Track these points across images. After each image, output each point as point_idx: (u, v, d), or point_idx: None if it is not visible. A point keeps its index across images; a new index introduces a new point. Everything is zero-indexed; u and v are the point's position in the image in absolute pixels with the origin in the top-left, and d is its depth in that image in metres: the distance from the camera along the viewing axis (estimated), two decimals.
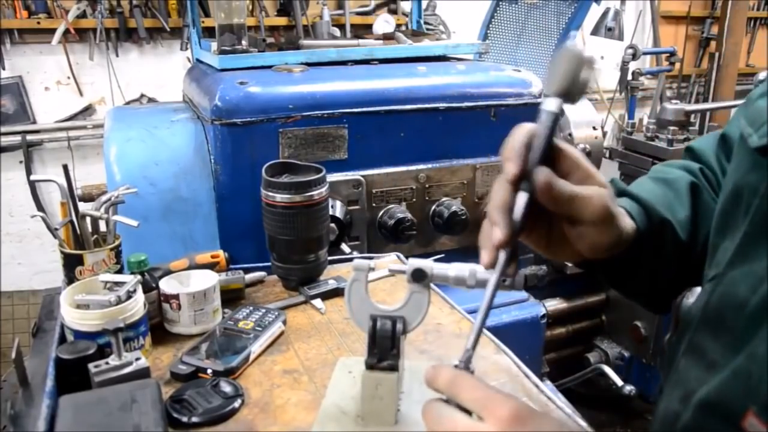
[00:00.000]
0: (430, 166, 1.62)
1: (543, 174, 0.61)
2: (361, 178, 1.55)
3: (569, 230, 0.67)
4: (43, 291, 1.29)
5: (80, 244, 1.07)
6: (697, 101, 4.70)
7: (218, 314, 1.08)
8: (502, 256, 0.63)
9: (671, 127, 2.49)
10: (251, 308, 1.08)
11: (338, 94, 1.51)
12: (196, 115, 1.62)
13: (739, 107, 0.77)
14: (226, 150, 1.44)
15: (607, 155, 2.66)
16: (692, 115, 2.65)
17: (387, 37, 2.00)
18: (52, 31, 3.00)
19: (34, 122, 3.15)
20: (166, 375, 0.92)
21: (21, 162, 3.12)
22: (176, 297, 1.03)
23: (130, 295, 0.95)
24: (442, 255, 1.52)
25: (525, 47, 2.56)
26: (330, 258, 1.27)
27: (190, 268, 1.15)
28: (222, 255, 1.21)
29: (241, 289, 1.18)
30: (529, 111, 1.68)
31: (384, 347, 0.73)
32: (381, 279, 1.26)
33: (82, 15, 3.06)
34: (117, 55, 3.18)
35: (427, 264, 0.72)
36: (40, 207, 3.11)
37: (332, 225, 1.44)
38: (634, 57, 3.67)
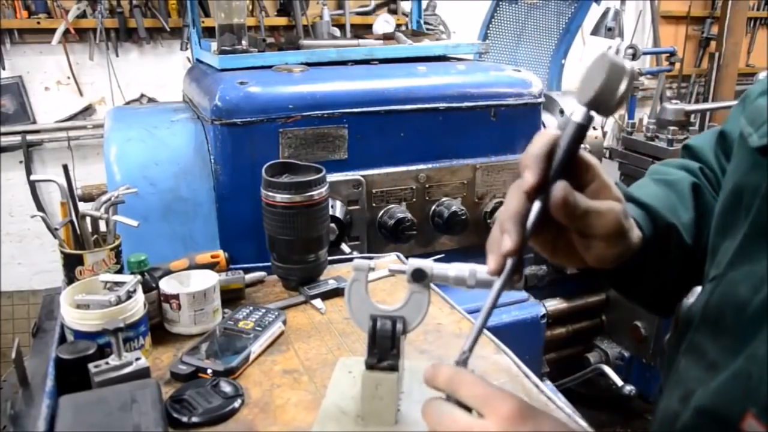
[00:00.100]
0: (430, 166, 1.62)
1: (560, 189, 0.59)
2: (361, 178, 1.55)
3: (578, 241, 0.66)
4: (43, 291, 1.29)
5: (80, 244, 1.07)
6: (697, 101, 4.71)
7: (218, 314, 1.08)
8: (509, 264, 0.62)
9: (671, 127, 2.48)
10: (251, 308, 1.08)
11: (338, 94, 1.51)
12: (196, 115, 1.62)
13: (736, 104, 0.77)
14: (226, 150, 1.44)
15: (607, 155, 2.66)
16: (692, 115, 2.65)
17: (387, 37, 2.00)
18: (52, 31, 3.00)
19: (34, 122, 3.15)
20: (166, 375, 0.92)
21: (21, 162, 3.12)
22: (176, 297, 1.03)
23: (130, 295, 0.95)
24: (442, 255, 1.52)
25: (525, 47, 2.56)
26: (330, 258, 1.27)
27: (190, 268, 1.15)
28: (222, 255, 1.20)
29: (241, 289, 1.18)
30: (529, 111, 1.68)
31: (384, 347, 0.73)
32: (381, 279, 1.26)
33: (82, 15, 3.06)
34: (117, 55, 3.18)
35: (427, 264, 0.72)
36: (40, 207, 3.11)
37: (332, 225, 1.44)
38: (634, 57, 3.66)
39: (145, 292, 1.00)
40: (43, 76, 3.15)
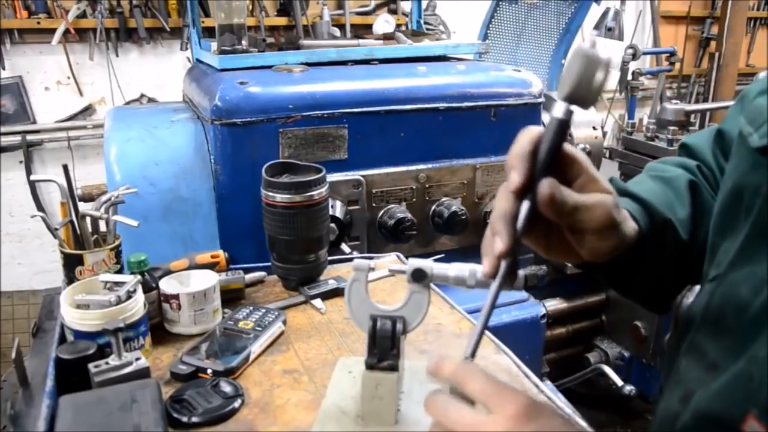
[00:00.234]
0: (430, 166, 1.62)
1: (546, 186, 0.59)
2: (361, 178, 1.55)
3: (570, 236, 0.66)
4: (43, 291, 1.29)
5: (80, 244, 1.07)
6: (697, 101, 4.71)
7: (218, 314, 1.08)
8: (503, 265, 0.62)
9: (671, 127, 2.49)
10: (251, 308, 1.08)
11: (338, 94, 1.51)
12: (196, 115, 1.62)
13: (734, 103, 0.77)
14: (226, 150, 1.44)
15: (607, 155, 2.66)
16: (692, 115, 2.65)
17: (387, 37, 2.00)
18: (52, 31, 3.00)
19: (34, 122, 3.15)
20: (166, 375, 0.92)
21: (21, 162, 3.12)
22: (176, 297, 1.03)
23: (130, 295, 0.95)
24: (442, 255, 1.52)
25: (525, 47, 2.55)
26: (330, 258, 1.27)
27: (190, 268, 1.15)
28: (222, 255, 1.20)
29: (241, 289, 1.18)
30: (529, 111, 1.68)
31: (384, 347, 0.73)
32: (381, 279, 1.26)
33: (82, 15, 3.06)
34: (117, 55, 3.18)
35: (427, 264, 0.72)
36: (40, 207, 3.11)
37: (332, 225, 1.44)
38: (634, 57, 3.67)
39: (145, 292, 1.00)
40: (43, 76, 3.15)
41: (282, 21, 3.41)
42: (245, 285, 1.20)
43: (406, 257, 1.27)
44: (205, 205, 1.47)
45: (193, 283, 1.08)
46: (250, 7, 3.32)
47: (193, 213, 1.47)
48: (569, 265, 1.85)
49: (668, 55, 4.16)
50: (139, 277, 1.00)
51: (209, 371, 0.91)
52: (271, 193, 1.15)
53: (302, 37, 2.30)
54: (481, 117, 1.64)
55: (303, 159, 1.44)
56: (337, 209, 1.50)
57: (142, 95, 3.31)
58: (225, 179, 1.46)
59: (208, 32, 2.00)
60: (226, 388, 0.86)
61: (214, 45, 1.78)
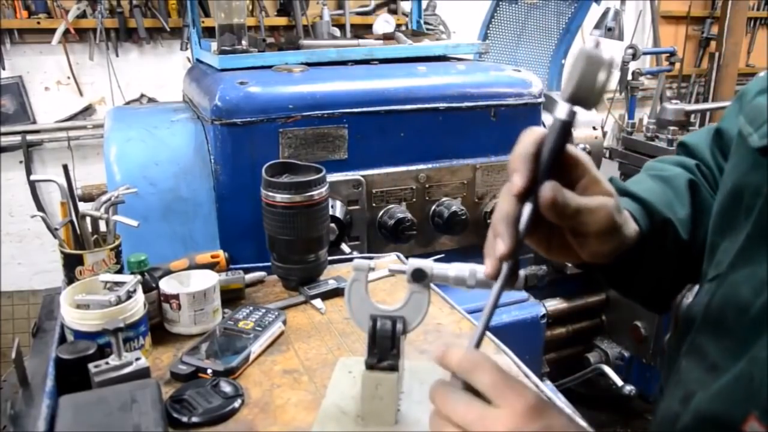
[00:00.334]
0: (430, 166, 1.62)
1: (548, 190, 0.59)
2: (361, 178, 1.55)
3: (571, 239, 0.66)
4: (43, 291, 1.29)
5: (80, 244, 1.07)
6: (697, 101, 4.71)
7: (218, 314, 1.08)
8: (505, 267, 0.62)
9: (671, 127, 2.49)
10: (251, 308, 1.08)
11: (338, 94, 1.51)
12: (196, 115, 1.62)
13: (733, 102, 0.77)
14: (226, 150, 1.44)
15: (607, 155, 2.66)
16: (692, 115, 2.65)
17: (387, 37, 2.00)
18: (52, 31, 3.00)
19: (34, 122, 3.15)
20: (166, 375, 0.92)
21: (21, 162, 3.12)
22: (176, 297, 1.03)
23: (130, 295, 0.95)
24: (442, 255, 1.52)
25: (525, 47, 2.55)
26: (330, 258, 1.27)
27: (190, 268, 1.15)
28: (222, 255, 1.20)
29: (241, 289, 1.18)
30: (529, 111, 1.68)
31: (384, 347, 0.73)
32: (381, 279, 1.26)
33: (82, 15, 3.06)
34: (117, 55, 3.18)
35: (427, 264, 0.72)
36: (40, 207, 3.11)
37: (332, 225, 1.44)
38: (634, 57, 3.67)
39: (145, 292, 1.00)
40: (43, 76, 3.15)
41: (282, 21, 3.41)
42: (245, 285, 1.20)
43: (406, 257, 1.27)
44: (205, 205, 1.47)
45: (193, 283, 1.08)
46: (250, 7, 3.32)
47: (193, 213, 1.47)
48: (569, 265, 1.85)
49: (668, 55, 4.16)
50: (139, 277, 1.00)
51: (209, 371, 0.91)
52: (271, 193, 1.15)
53: (302, 37, 2.30)
54: (481, 117, 1.64)
55: (303, 159, 1.44)
56: (337, 209, 1.50)
57: (142, 95, 3.31)
58: (225, 179, 1.46)
59: (208, 32, 2.00)
60: (226, 388, 0.86)
61: (214, 45, 1.78)
